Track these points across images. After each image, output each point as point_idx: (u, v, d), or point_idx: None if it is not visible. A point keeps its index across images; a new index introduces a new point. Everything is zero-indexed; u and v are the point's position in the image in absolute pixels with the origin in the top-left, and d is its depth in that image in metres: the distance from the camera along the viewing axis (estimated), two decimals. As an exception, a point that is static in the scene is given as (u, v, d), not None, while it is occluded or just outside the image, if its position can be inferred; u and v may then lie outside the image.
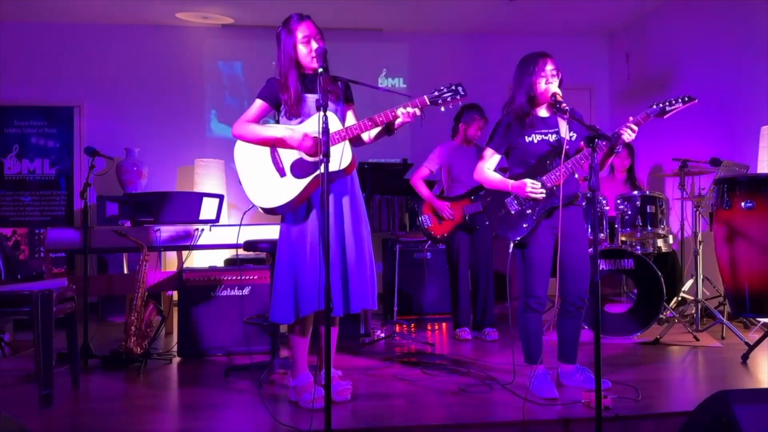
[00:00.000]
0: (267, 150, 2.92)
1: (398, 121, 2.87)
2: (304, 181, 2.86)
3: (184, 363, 3.99)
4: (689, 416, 2.34)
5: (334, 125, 2.83)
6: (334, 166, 2.79)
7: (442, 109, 2.85)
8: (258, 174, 2.91)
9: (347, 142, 2.86)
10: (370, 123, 2.87)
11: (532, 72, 3.07)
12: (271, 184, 2.88)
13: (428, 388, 3.27)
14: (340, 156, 2.82)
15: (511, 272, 3.11)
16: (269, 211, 2.91)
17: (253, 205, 2.93)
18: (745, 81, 5.22)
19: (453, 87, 2.82)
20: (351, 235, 2.93)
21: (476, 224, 4.53)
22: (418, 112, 2.82)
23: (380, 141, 3.08)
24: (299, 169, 2.88)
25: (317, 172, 2.83)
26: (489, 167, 3.22)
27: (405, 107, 2.82)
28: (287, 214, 2.94)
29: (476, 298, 4.62)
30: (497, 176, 3.22)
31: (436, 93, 2.82)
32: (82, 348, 3.79)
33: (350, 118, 3.06)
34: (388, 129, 2.95)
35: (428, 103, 2.82)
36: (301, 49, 2.91)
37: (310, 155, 2.86)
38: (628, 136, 2.94)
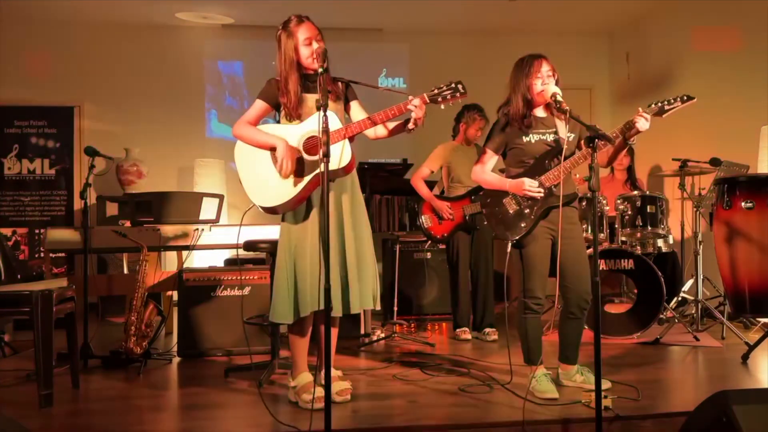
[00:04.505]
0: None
1: (410, 122, 2.81)
2: (303, 181, 2.85)
3: (184, 363, 3.99)
4: (689, 416, 2.34)
5: (335, 124, 2.82)
6: (333, 165, 2.79)
7: (442, 107, 2.84)
8: (258, 173, 2.91)
9: (346, 141, 2.86)
10: (369, 122, 2.87)
11: (528, 74, 3.08)
12: (270, 184, 2.88)
13: (428, 388, 3.26)
14: (340, 155, 2.82)
15: (509, 272, 3.11)
16: (269, 211, 2.90)
17: (254, 205, 2.93)
18: (745, 81, 5.21)
19: (453, 85, 2.80)
20: (351, 235, 2.93)
21: (476, 224, 4.53)
22: (418, 102, 2.76)
23: (379, 141, 3.08)
24: (298, 168, 2.88)
25: (316, 171, 2.82)
26: (486, 168, 3.22)
27: (408, 103, 2.78)
28: (287, 213, 2.94)
29: (476, 298, 4.62)
30: (495, 176, 3.22)
31: (436, 91, 2.81)
32: (82, 348, 3.79)
33: (358, 113, 3.04)
34: (405, 125, 2.88)
35: (428, 100, 2.80)
36: (303, 51, 2.90)
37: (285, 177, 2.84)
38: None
